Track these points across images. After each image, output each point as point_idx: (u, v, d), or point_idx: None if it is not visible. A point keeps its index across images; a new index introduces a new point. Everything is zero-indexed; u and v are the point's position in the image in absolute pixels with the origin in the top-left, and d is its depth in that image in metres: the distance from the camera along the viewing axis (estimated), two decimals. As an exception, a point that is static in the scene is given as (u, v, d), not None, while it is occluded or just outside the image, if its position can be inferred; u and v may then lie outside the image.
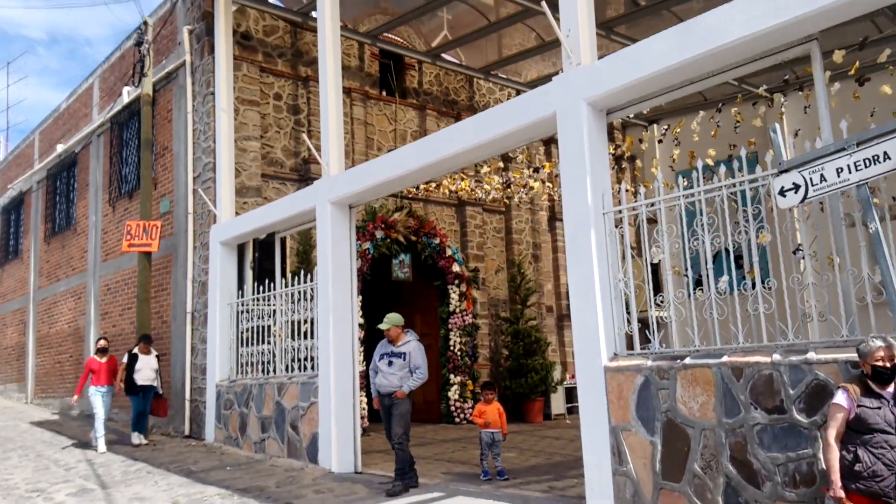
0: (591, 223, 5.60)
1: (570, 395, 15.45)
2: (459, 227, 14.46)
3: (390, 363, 7.17)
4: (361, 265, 12.30)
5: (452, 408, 13.39)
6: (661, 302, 5.34)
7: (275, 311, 9.63)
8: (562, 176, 5.82)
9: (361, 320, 12.26)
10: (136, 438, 10.33)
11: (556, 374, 14.33)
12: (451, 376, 13.52)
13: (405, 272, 13.37)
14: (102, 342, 10.66)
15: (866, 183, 3.97)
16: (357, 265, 12.33)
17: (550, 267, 16.32)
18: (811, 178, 4.17)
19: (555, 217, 16.44)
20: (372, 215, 12.73)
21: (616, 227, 5.69)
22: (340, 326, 8.35)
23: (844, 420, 3.74)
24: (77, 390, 10.61)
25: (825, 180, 4.10)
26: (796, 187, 4.22)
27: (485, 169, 10.83)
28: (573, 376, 15.55)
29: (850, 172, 4.00)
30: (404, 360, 7.14)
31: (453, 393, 13.44)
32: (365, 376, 12.13)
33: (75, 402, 10.50)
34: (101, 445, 10.00)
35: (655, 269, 5.62)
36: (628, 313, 5.61)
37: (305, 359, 8.96)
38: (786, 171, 4.29)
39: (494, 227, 15.19)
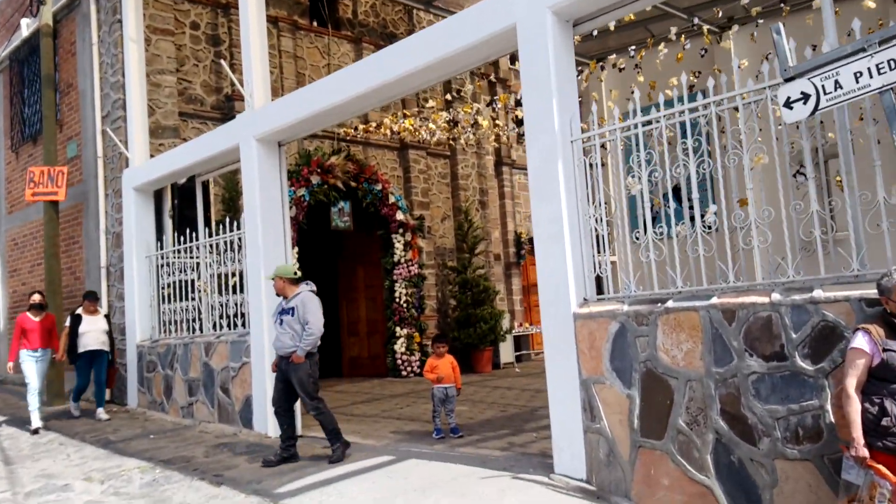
0: (559, 152, 4.88)
1: (519, 343, 15.05)
2: (402, 173, 13.60)
3: (281, 322, 6.29)
4: (297, 213, 11.37)
5: (399, 361, 12.77)
6: (637, 240, 4.71)
7: (198, 263, 8.67)
8: (524, 99, 5.06)
9: (298, 273, 11.38)
10: (75, 410, 9.12)
11: (505, 323, 13.84)
12: (398, 329, 12.85)
13: (345, 221, 12.49)
14: (37, 297, 8.91)
15: (892, 88, 3.36)
16: (291, 213, 11.40)
17: (497, 214, 15.70)
18: (823, 86, 3.54)
19: (501, 162, 15.74)
20: (306, 159, 11.74)
21: (585, 156, 4.99)
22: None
23: (866, 367, 3.20)
24: (10, 355, 8.74)
25: (840, 87, 3.48)
26: (805, 97, 3.59)
27: (430, 103, 9.96)
28: (521, 324, 15.12)
29: (871, 77, 3.38)
30: (293, 315, 6.19)
31: (399, 346, 12.80)
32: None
33: (11, 370, 8.72)
34: (36, 420, 8.45)
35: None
36: (599, 254, 4.97)
37: (235, 315, 8.09)
38: (792, 78, 3.65)
39: (439, 173, 14.39)
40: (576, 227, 4.89)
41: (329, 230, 12.43)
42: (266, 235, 7.46)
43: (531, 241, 16.21)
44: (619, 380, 4.53)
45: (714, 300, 4.09)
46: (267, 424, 7.35)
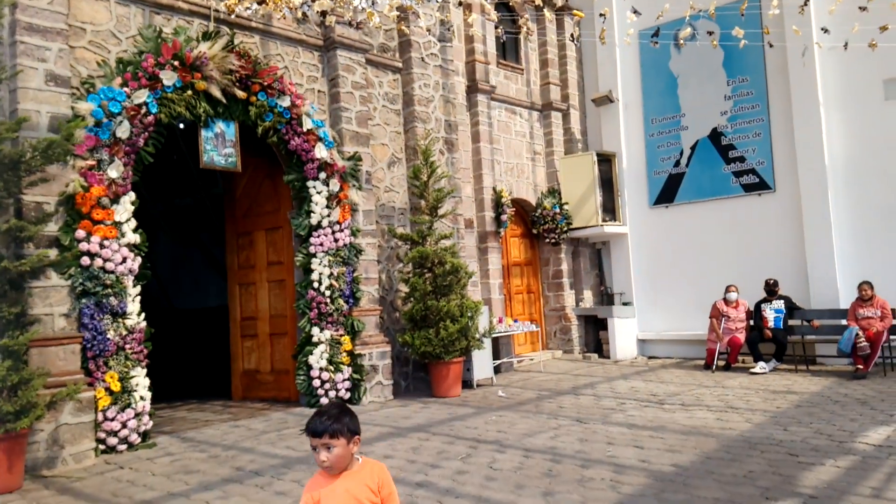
0: None
1: (497, 347, 10.54)
2: (328, 87, 8.78)
3: None
4: (133, 135, 6.50)
5: (316, 382, 8.07)
6: None
7: None
8: None
9: (137, 238, 6.58)
10: None
11: (482, 322, 9.27)
12: (315, 330, 8.14)
13: (227, 155, 7.63)
14: None
15: None
16: (124, 133, 6.53)
17: (469, 162, 11.06)
18: None
19: (476, 87, 11.05)
20: (154, 43, 6.85)
21: None
22: None
23: None
24: None
25: None
26: None
27: None
28: (500, 320, 10.57)
29: None
30: None
31: (318, 358, 8.10)
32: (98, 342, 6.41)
33: None
34: None
35: None
36: None
37: None
38: None
39: (385, 93, 9.62)
40: None
41: (198, 169, 7.58)
42: None
43: (515, 203, 11.64)
44: None
45: None
46: None
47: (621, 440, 5.98)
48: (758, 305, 10.36)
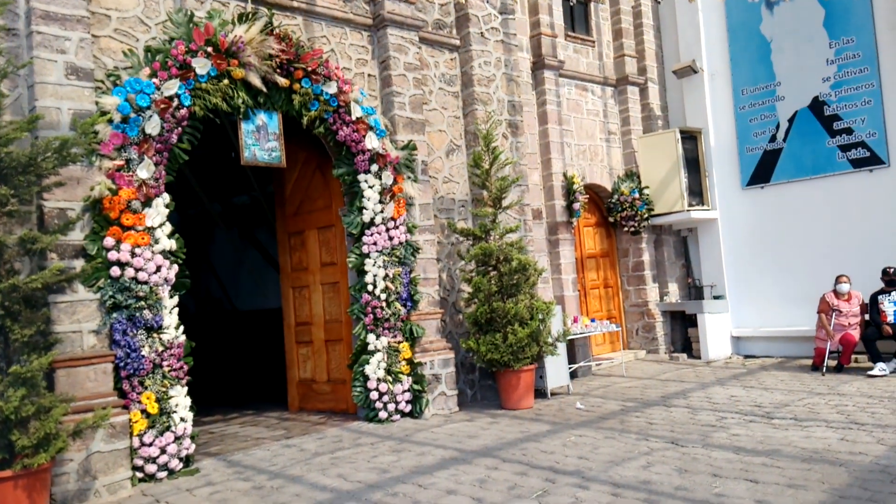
0: None
1: (572, 351, 9.61)
2: (378, 70, 8.01)
3: None
4: (164, 130, 5.90)
5: (374, 394, 7.36)
6: None
7: None
8: None
9: (173, 244, 5.99)
10: None
11: (555, 324, 8.34)
12: (371, 337, 7.42)
13: (271, 150, 6.97)
14: None
15: None
16: (154, 129, 5.94)
17: (536, 146, 10.10)
18: None
19: (542, 63, 10.07)
20: (186, 29, 6.23)
21: None
22: None
23: None
24: None
25: None
26: None
27: None
28: (574, 320, 9.60)
29: None
30: None
31: (375, 368, 7.38)
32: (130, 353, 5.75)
33: None
34: None
35: None
36: None
37: None
38: None
39: (442, 74, 8.77)
40: None
41: (238, 165, 6.95)
42: None
43: (588, 189, 10.62)
44: None
45: None
46: None
47: (729, 470, 4.99)
48: (874, 298, 9.05)
